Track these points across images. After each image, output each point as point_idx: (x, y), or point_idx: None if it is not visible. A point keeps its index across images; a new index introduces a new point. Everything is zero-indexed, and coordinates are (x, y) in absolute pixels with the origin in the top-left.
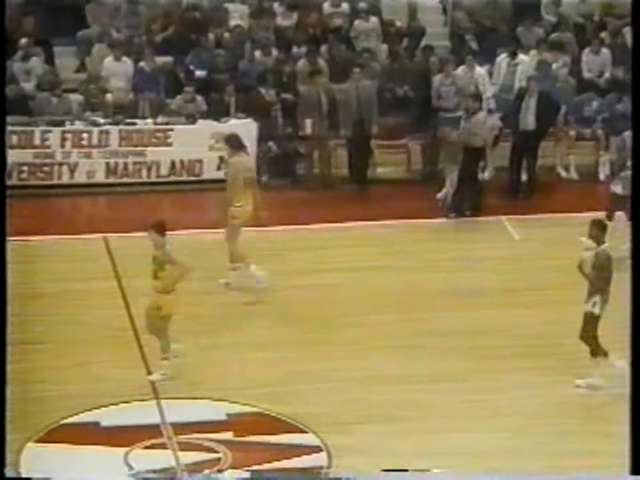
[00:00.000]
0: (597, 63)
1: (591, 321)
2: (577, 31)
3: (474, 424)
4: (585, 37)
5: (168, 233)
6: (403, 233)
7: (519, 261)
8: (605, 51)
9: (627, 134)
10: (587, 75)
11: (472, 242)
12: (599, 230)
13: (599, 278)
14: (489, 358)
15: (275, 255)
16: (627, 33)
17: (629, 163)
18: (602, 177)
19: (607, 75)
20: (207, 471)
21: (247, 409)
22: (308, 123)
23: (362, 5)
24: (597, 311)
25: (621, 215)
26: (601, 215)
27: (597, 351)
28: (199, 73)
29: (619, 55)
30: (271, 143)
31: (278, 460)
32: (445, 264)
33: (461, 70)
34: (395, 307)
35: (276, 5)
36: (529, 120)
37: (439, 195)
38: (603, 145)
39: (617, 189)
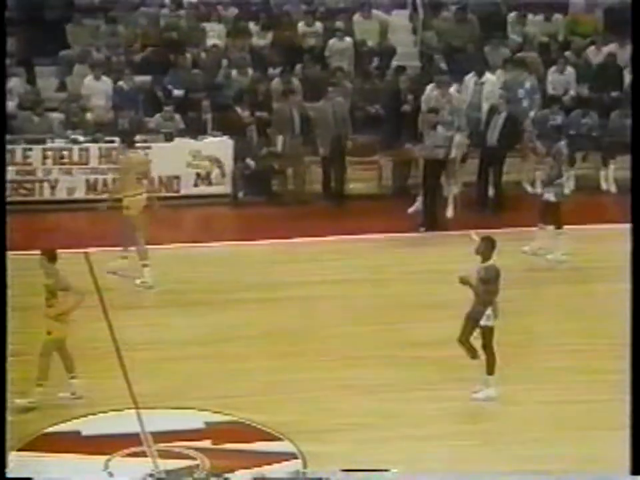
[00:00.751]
0: (562, 81)
1: (489, 334)
2: (541, 50)
3: (447, 431)
4: (550, 56)
5: (149, 247)
6: (377, 246)
7: None
8: (569, 69)
9: (562, 144)
10: (552, 92)
11: (443, 255)
12: (487, 246)
13: (488, 291)
14: (461, 367)
15: (254, 269)
16: (591, 51)
17: (565, 172)
18: (567, 191)
19: (572, 92)
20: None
21: (225, 417)
22: (279, 140)
23: (335, 24)
24: (490, 323)
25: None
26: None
27: (492, 363)
28: (177, 92)
29: (583, 73)
30: (247, 161)
31: (254, 467)
32: (417, 276)
33: (429, 88)
34: (370, 319)
35: (251, 25)
36: (494, 137)
37: (410, 210)
38: (567, 160)
39: (550, 196)
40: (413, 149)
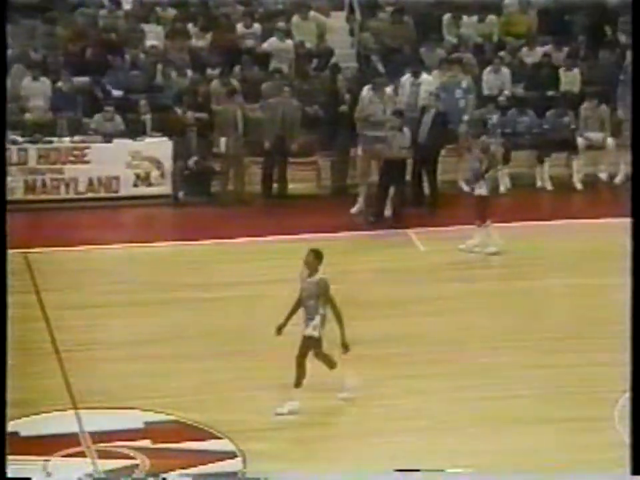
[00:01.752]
0: (497, 81)
1: (315, 344)
2: (476, 51)
3: (386, 427)
4: (485, 57)
5: (84, 247)
6: (316, 246)
7: (426, 271)
8: (504, 69)
9: (492, 139)
10: (487, 93)
11: (381, 254)
12: (314, 259)
13: (318, 305)
14: (399, 364)
15: (194, 269)
16: (525, 52)
17: (500, 170)
18: (502, 189)
19: (507, 92)
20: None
21: (165, 417)
22: (222, 141)
23: (273, 26)
24: (316, 334)
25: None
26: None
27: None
28: (116, 93)
29: (518, 73)
30: (186, 161)
31: (194, 466)
32: (356, 275)
33: (366, 89)
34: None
35: (190, 26)
36: (425, 135)
37: (354, 210)
38: (502, 158)
39: (482, 191)
40: (377, 149)
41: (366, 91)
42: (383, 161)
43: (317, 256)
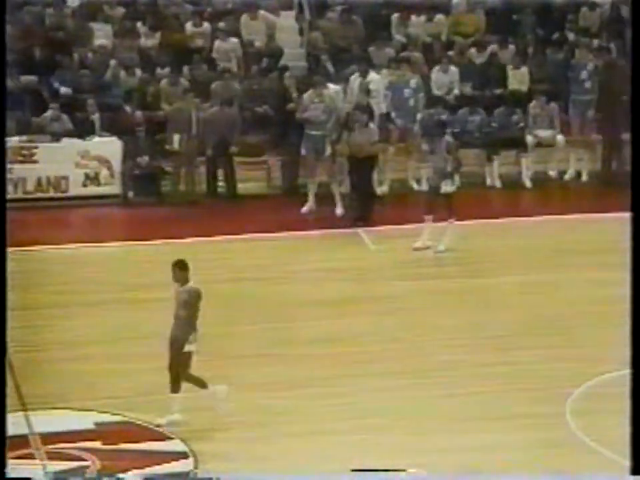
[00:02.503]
0: (446, 80)
1: (187, 358)
2: (425, 50)
3: (338, 426)
4: (434, 56)
5: (32, 248)
6: (266, 246)
7: (376, 270)
8: (452, 68)
9: (446, 138)
10: (436, 92)
11: (331, 253)
12: (180, 270)
13: (191, 316)
14: (350, 363)
15: (143, 269)
16: (473, 51)
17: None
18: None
19: (456, 91)
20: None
21: (115, 418)
22: (175, 138)
23: (222, 25)
24: (193, 348)
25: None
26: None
27: (177, 386)
28: (64, 92)
29: (466, 72)
30: (135, 161)
31: (146, 467)
32: (306, 275)
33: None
34: (260, 317)
35: (139, 25)
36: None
37: (304, 210)
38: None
39: (449, 188)
40: (343, 146)
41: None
42: (351, 158)
43: (182, 267)
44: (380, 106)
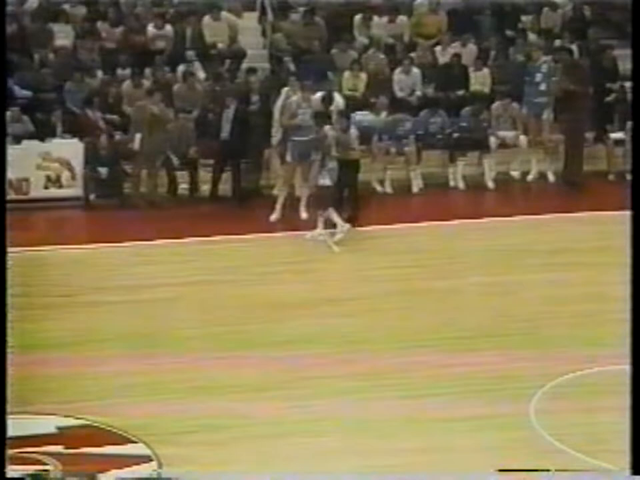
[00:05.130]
0: (408, 82)
1: None
2: (387, 52)
3: (300, 429)
4: (396, 57)
5: None
6: (230, 248)
7: (340, 272)
8: (415, 70)
9: (328, 128)
10: (398, 94)
11: (296, 255)
12: None
13: None
14: (313, 365)
15: (106, 272)
16: (437, 51)
17: (334, 154)
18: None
19: (418, 93)
20: None
21: (78, 421)
22: (137, 137)
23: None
24: None
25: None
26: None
27: None
28: (24, 94)
29: (429, 73)
30: (97, 164)
31: (109, 470)
32: (270, 277)
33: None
34: (223, 320)
35: (100, 25)
36: None
37: (273, 218)
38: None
39: (325, 181)
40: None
41: (293, 95)
42: (340, 161)
43: None
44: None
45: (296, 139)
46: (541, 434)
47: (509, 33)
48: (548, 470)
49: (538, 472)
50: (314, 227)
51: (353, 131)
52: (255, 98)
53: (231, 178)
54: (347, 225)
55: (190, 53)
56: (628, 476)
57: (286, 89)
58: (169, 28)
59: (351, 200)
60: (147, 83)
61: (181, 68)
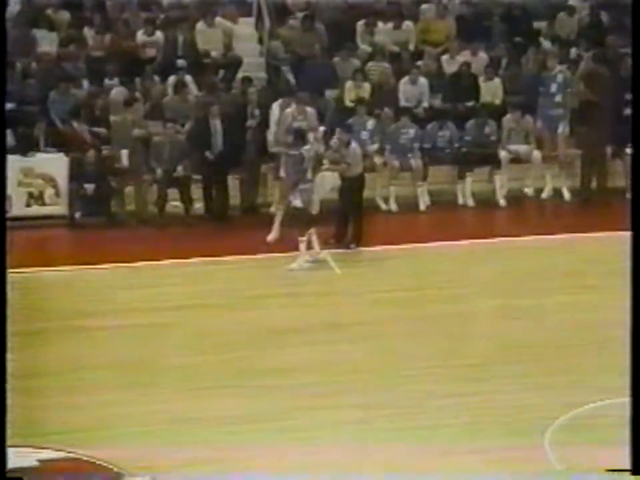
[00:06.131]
0: (414, 92)
1: None
2: (392, 60)
3: (299, 462)
4: (401, 66)
5: None
6: (223, 269)
7: (341, 295)
8: (421, 80)
9: (306, 148)
10: (404, 104)
11: (295, 277)
12: None
13: None
14: (311, 395)
15: (92, 295)
16: (445, 60)
17: (309, 176)
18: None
19: (425, 104)
20: None
21: (60, 454)
22: (124, 153)
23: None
24: None
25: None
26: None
27: None
28: (7, 105)
29: (436, 83)
30: (83, 180)
31: None
32: (267, 300)
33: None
34: (217, 347)
35: (87, 32)
36: None
37: (270, 238)
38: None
39: (297, 202)
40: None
41: (278, 106)
42: (342, 178)
43: None
44: None
45: (291, 152)
46: (556, 469)
47: (521, 40)
48: None
49: None
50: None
51: (354, 146)
52: (250, 110)
53: (222, 195)
54: (324, 252)
55: (182, 62)
56: (628, 476)
57: (279, 101)
58: (159, 35)
59: (354, 218)
60: (138, 94)
61: (172, 78)
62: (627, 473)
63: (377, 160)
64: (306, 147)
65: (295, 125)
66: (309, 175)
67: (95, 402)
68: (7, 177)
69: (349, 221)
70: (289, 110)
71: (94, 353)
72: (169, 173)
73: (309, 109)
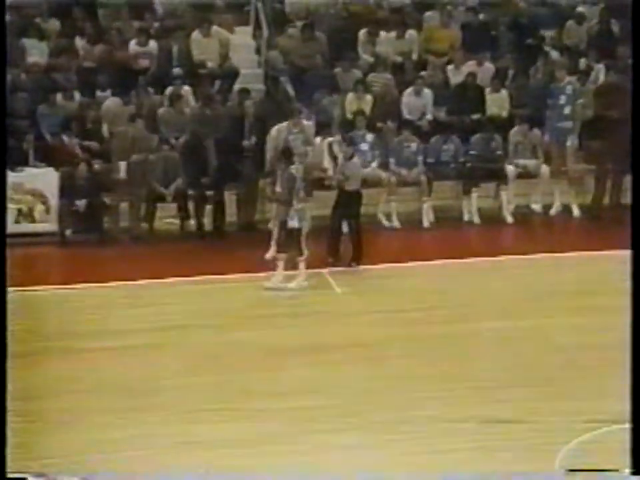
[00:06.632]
0: (418, 104)
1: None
2: (395, 71)
3: None
4: (405, 77)
5: None
6: (221, 288)
7: (342, 315)
8: (425, 91)
9: (294, 167)
10: (407, 117)
11: (293, 297)
12: None
13: None
14: (314, 418)
15: (85, 315)
16: (450, 70)
17: (302, 195)
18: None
19: (429, 116)
20: None
21: None
22: (122, 166)
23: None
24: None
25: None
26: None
27: None
28: None
29: (441, 95)
30: (74, 195)
31: None
32: (264, 321)
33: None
34: (213, 368)
35: (78, 42)
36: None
37: (268, 256)
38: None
39: (293, 223)
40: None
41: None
42: (337, 193)
43: None
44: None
45: (282, 171)
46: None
47: (529, 49)
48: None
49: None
50: (313, 267)
51: (356, 160)
52: (248, 123)
53: (219, 212)
54: (306, 284)
55: (177, 72)
56: (628, 476)
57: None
58: (153, 44)
59: (353, 235)
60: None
61: (169, 89)
62: (627, 473)
63: (379, 174)
64: (293, 167)
65: (290, 139)
66: (302, 194)
67: (86, 425)
68: (7, 196)
69: (342, 236)
70: (284, 124)
71: (85, 375)
72: (165, 188)
73: (306, 122)
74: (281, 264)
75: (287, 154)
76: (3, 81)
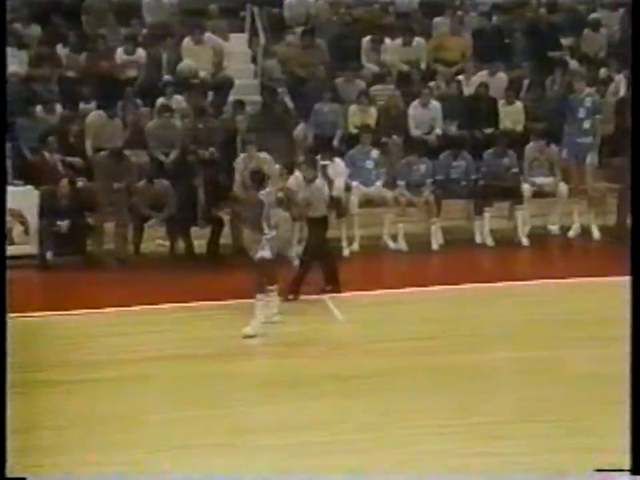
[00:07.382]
0: (426, 117)
1: None
2: (401, 81)
3: None
4: (412, 88)
5: None
6: (210, 316)
7: (344, 344)
8: (434, 103)
9: (263, 192)
10: (414, 132)
11: (293, 324)
12: None
13: None
14: (308, 455)
15: (63, 345)
16: (460, 80)
17: (273, 221)
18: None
19: (438, 131)
20: None
21: None
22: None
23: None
24: None
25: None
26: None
27: None
28: None
29: (451, 107)
30: (55, 215)
31: None
32: (259, 350)
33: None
34: (200, 401)
35: (60, 50)
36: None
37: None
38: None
39: (265, 253)
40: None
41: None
42: (307, 219)
43: None
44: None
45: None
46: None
47: (546, 58)
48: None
49: None
50: (309, 293)
51: (318, 183)
52: (242, 138)
53: (213, 233)
54: (277, 317)
55: (166, 82)
56: (628, 476)
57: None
58: (141, 53)
59: (324, 262)
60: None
61: (159, 100)
62: (627, 473)
63: (384, 194)
64: (263, 192)
65: (251, 168)
66: (274, 221)
67: (68, 463)
68: (6, 221)
69: (312, 266)
70: (240, 157)
71: (66, 409)
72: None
73: (262, 155)
74: (259, 304)
75: (258, 178)
76: (3, 77)
